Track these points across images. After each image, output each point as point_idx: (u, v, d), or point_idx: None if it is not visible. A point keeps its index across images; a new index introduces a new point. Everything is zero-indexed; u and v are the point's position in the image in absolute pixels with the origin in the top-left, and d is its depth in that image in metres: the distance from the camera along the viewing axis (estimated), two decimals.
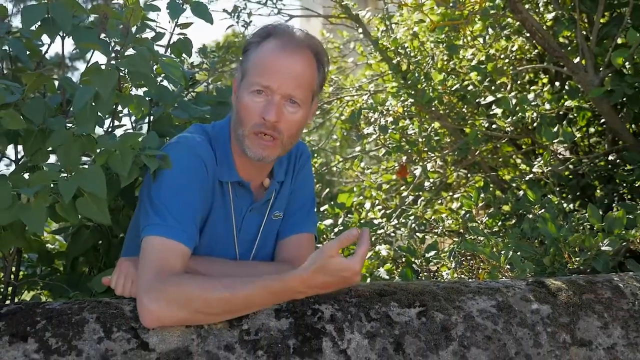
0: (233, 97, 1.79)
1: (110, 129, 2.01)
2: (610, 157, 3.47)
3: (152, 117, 2.15)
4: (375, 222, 3.30)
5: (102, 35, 1.74)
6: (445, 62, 3.98)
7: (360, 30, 4.18)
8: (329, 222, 3.13)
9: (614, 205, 2.80)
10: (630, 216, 2.28)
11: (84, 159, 1.81)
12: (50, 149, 1.70)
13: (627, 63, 2.94)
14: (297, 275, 1.55)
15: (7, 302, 2.03)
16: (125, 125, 2.12)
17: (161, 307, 1.48)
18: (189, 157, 1.69)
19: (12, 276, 2.02)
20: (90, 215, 1.64)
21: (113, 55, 1.73)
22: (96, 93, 1.65)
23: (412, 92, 3.68)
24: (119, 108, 1.99)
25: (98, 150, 1.67)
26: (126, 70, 1.78)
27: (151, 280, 1.52)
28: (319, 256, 1.53)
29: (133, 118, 2.15)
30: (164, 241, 1.59)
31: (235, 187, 1.80)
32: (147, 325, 1.49)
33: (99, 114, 1.70)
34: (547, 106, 3.36)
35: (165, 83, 2.12)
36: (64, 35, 1.78)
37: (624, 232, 2.23)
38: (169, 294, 1.50)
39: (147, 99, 2.04)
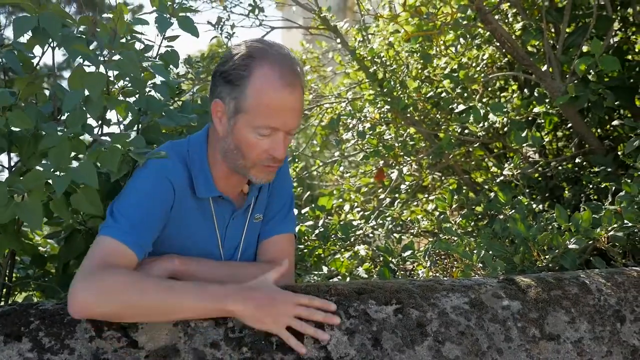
0: (217, 121, 1.75)
1: (100, 135, 2.05)
2: (577, 160, 3.50)
3: (140, 126, 2.16)
4: (354, 223, 3.32)
5: (92, 46, 1.77)
6: (420, 71, 4.02)
7: (338, 40, 4.23)
8: (309, 224, 3.18)
9: (581, 205, 2.84)
10: (595, 216, 2.30)
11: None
12: (43, 152, 1.71)
13: (591, 71, 3.04)
14: (234, 285, 1.57)
15: (2, 303, 2.05)
16: (114, 132, 2.16)
17: (91, 295, 1.46)
18: (158, 180, 1.71)
19: (6, 278, 2.04)
20: (84, 209, 1.67)
21: (101, 58, 1.74)
22: (86, 96, 1.67)
23: (388, 99, 3.73)
24: (107, 116, 2.04)
25: (90, 150, 1.69)
26: (114, 74, 1.79)
27: (88, 271, 1.50)
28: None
29: (122, 126, 2.20)
30: (112, 241, 1.58)
31: (215, 200, 1.83)
32: (73, 315, 1.47)
33: (89, 116, 1.72)
34: (517, 112, 3.44)
35: (152, 93, 2.13)
36: (54, 45, 1.81)
37: (590, 230, 2.24)
38: (101, 284, 1.47)
39: (135, 107, 2.09)
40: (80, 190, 1.67)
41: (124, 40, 1.82)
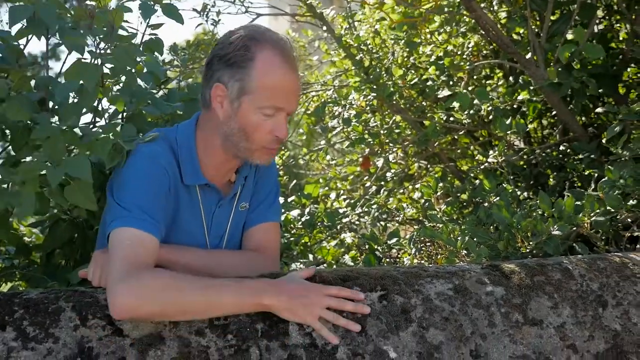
0: (218, 106, 1.76)
1: (91, 126, 2.03)
2: (561, 148, 3.51)
3: (125, 114, 2.14)
4: (341, 211, 3.33)
5: (89, 40, 1.76)
6: (405, 58, 4.02)
7: (324, 28, 4.23)
8: (296, 212, 3.18)
9: (565, 192, 2.86)
10: (578, 202, 2.32)
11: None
12: (36, 143, 1.70)
13: (574, 58, 3.04)
14: (265, 279, 1.63)
15: None
16: (102, 124, 2.14)
17: (132, 300, 1.48)
18: (150, 163, 1.72)
19: None
20: (77, 202, 1.67)
21: (97, 51, 1.74)
22: (80, 87, 1.67)
23: (374, 87, 3.73)
24: (100, 107, 2.03)
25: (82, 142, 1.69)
26: (108, 66, 1.79)
27: (123, 272, 1.52)
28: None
29: (107, 115, 2.19)
30: (133, 232, 1.60)
31: (202, 188, 1.83)
32: (116, 317, 1.49)
33: (83, 107, 1.72)
34: (501, 99, 3.45)
35: (138, 81, 2.16)
36: (49, 35, 1.80)
37: (573, 217, 2.26)
38: (143, 286, 1.50)
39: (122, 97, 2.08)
40: (74, 182, 1.67)
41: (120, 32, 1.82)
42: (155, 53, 2.16)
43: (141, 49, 2.10)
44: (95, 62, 1.72)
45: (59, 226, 2.20)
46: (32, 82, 1.88)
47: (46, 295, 1.56)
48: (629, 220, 2.35)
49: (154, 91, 2.27)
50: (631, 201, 2.28)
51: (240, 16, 3.97)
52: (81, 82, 1.68)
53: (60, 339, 1.46)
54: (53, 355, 1.43)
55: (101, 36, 1.75)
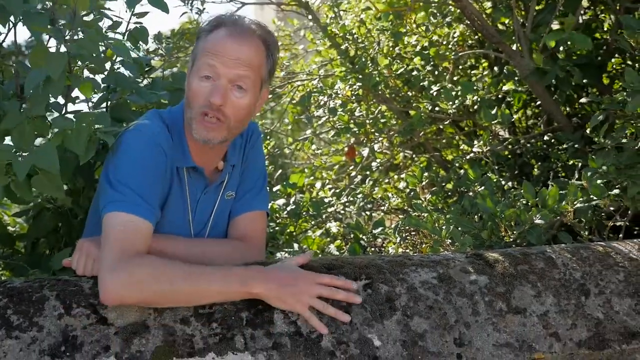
0: (185, 84, 1.78)
1: (64, 113, 2.03)
2: (545, 137, 3.52)
3: (109, 103, 2.15)
4: (326, 200, 3.34)
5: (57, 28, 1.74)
6: (391, 48, 4.02)
7: (310, 17, 4.22)
8: (281, 201, 3.18)
9: (549, 182, 2.88)
10: (562, 192, 2.33)
11: (38, 141, 1.78)
12: (3, 131, 1.68)
13: (560, 47, 3.05)
14: (255, 266, 1.62)
15: None
16: (82, 110, 2.13)
17: (123, 286, 1.49)
18: (148, 143, 1.70)
19: None
20: (45, 191, 1.66)
21: (63, 38, 1.72)
22: (47, 76, 1.65)
23: (360, 77, 3.73)
24: (73, 94, 2.01)
25: (53, 131, 1.67)
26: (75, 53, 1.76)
27: (115, 259, 1.52)
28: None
29: (90, 104, 2.18)
30: (127, 217, 1.59)
31: (189, 172, 1.82)
32: (107, 303, 1.50)
33: (50, 95, 1.70)
34: (487, 90, 3.46)
35: (122, 70, 2.12)
36: (16, 21, 1.77)
37: (556, 206, 2.27)
38: (133, 274, 1.50)
39: (102, 84, 2.07)
40: (41, 172, 1.65)
41: (87, 17, 1.79)
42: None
43: (125, 37, 2.09)
44: (60, 49, 1.69)
45: (44, 215, 2.21)
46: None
47: (30, 284, 1.56)
48: (612, 209, 2.37)
49: (138, 80, 2.26)
50: (614, 190, 2.30)
51: (225, 5, 3.94)
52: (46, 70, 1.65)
53: (45, 328, 1.46)
54: (37, 343, 1.43)
55: (64, 22, 1.72)
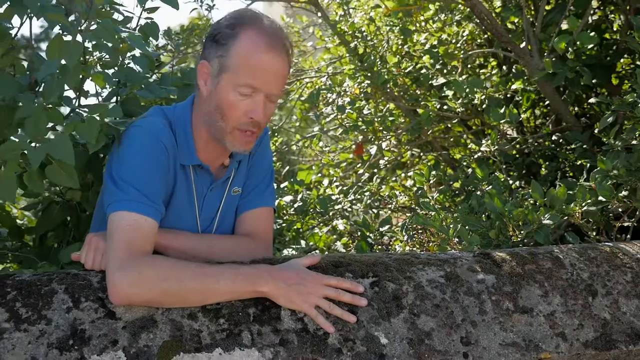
0: (202, 83, 1.76)
1: (77, 106, 2.03)
2: (554, 137, 3.52)
3: (119, 97, 2.16)
4: (333, 198, 3.34)
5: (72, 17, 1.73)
6: (400, 46, 4.01)
7: (319, 14, 4.21)
8: (288, 198, 3.19)
9: (556, 182, 2.86)
10: (570, 192, 2.32)
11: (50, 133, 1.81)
12: (19, 122, 1.68)
13: (569, 48, 3.04)
14: (263, 265, 1.63)
15: None
16: (92, 104, 2.13)
17: (132, 285, 1.50)
18: (151, 140, 1.70)
19: None
20: (59, 181, 1.66)
21: (78, 28, 1.71)
22: (62, 65, 1.65)
23: (368, 74, 3.73)
24: (85, 87, 2.01)
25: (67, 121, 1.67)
26: (91, 43, 1.77)
27: (123, 258, 1.53)
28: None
29: (100, 98, 2.19)
30: (131, 216, 1.60)
31: (195, 169, 1.82)
32: (115, 302, 1.51)
33: (66, 85, 1.70)
34: (495, 89, 3.45)
35: (132, 65, 2.12)
36: (32, 15, 1.76)
37: (564, 206, 2.26)
38: (141, 273, 1.51)
39: (113, 79, 2.07)
40: (55, 162, 1.65)
41: (102, 8, 1.79)
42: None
43: (137, 32, 2.09)
44: (76, 39, 1.69)
45: (52, 209, 2.21)
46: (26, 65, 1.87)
47: (39, 277, 1.56)
48: (620, 210, 2.36)
49: (148, 75, 2.26)
50: (623, 192, 2.29)
51: (234, 1, 3.94)
52: (63, 60, 1.65)
53: (53, 321, 1.47)
54: (46, 336, 1.44)
55: (79, 13, 1.72)
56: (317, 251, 2.89)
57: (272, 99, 1.73)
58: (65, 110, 1.75)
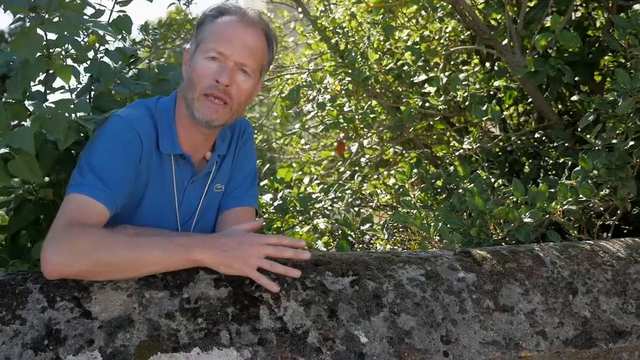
0: (184, 68, 1.82)
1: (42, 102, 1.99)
2: (536, 135, 3.52)
3: (92, 93, 2.13)
4: (314, 196, 3.33)
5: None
6: (381, 43, 4.01)
7: (300, 10, 4.19)
8: (268, 196, 3.16)
9: (539, 180, 2.86)
10: (552, 190, 2.33)
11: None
12: None
13: (551, 45, 3.04)
14: (198, 234, 1.64)
15: None
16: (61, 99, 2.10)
17: (63, 256, 1.47)
18: (122, 128, 1.71)
19: None
20: (22, 175, 1.64)
21: (40, 19, 1.69)
22: (24, 59, 1.63)
23: (350, 71, 3.72)
24: (55, 84, 1.97)
25: (32, 118, 1.65)
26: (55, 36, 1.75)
27: (58, 231, 1.51)
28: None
29: (73, 95, 2.15)
30: (82, 198, 1.59)
31: (177, 160, 1.83)
32: (47, 276, 1.48)
33: (28, 79, 1.67)
34: (477, 86, 3.44)
35: (105, 59, 2.11)
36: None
37: (545, 205, 2.26)
38: (71, 245, 1.48)
39: (83, 73, 2.03)
40: (18, 157, 1.63)
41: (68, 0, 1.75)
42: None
43: (108, 26, 2.05)
44: (36, 31, 1.66)
45: (25, 207, 2.17)
46: None
47: (13, 277, 1.55)
48: (601, 208, 2.36)
49: (124, 71, 2.24)
50: (603, 190, 2.29)
51: None
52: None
53: (28, 321, 1.45)
54: (20, 337, 1.42)
55: (40, 3, 1.70)
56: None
57: (245, 70, 1.76)
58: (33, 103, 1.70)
